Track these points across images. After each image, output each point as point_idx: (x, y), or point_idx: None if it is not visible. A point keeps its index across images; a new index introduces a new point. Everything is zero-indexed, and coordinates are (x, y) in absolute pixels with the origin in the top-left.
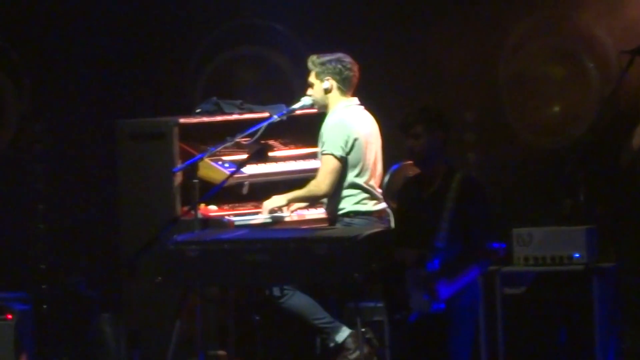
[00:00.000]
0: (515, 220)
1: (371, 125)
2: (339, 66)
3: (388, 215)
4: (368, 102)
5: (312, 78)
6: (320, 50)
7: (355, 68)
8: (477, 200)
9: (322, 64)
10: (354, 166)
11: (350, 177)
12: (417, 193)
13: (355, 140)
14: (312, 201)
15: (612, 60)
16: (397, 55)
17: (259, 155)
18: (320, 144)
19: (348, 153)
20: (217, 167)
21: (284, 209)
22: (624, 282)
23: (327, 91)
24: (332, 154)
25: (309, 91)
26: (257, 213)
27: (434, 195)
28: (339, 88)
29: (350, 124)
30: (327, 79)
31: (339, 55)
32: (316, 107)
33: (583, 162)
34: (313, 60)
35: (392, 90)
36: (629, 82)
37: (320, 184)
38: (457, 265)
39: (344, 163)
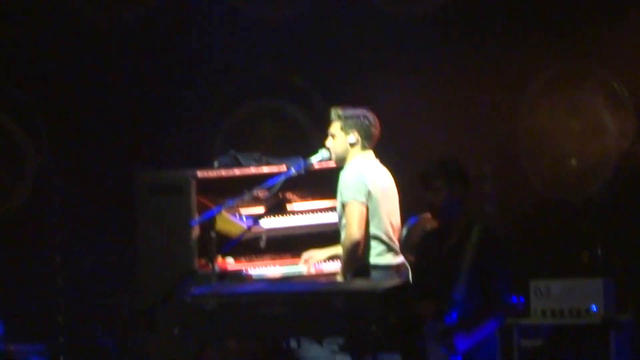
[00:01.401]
0: (532, 272)
1: (388, 178)
2: (366, 122)
3: (406, 268)
4: (386, 155)
5: (335, 130)
6: (338, 103)
7: (378, 125)
8: (496, 254)
9: (349, 117)
10: (372, 217)
11: (370, 227)
12: (436, 246)
13: (372, 191)
14: (352, 258)
15: (630, 114)
16: (415, 108)
17: (277, 208)
18: (339, 196)
19: (367, 203)
20: (234, 220)
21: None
22: None
23: (352, 145)
24: (355, 200)
25: (329, 141)
26: (274, 265)
27: (452, 249)
28: (362, 143)
29: (367, 176)
30: (353, 133)
31: (364, 111)
32: (334, 159)
33: (601, 215)
34: (338, 113)
35: (410, 142)
36: None
37: (351, 234)
38: (475, 318)
39: (367, 209)
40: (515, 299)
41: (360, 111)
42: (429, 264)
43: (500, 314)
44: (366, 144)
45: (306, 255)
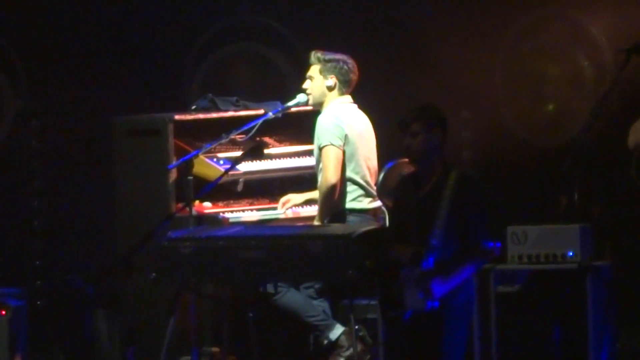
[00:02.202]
0: (510, 218)
1: (365, 122)
2: (345, 67)
3: (383, 213)
4: (364, 100)
5: (313, 72)
6: (316, 48)
7: (357, 71)
8: (473, 199)
9: (328, 61)
10: (349, 161)
11: (347, 172)
12: (413, 191)
13: (349, 135)
14: (328, 202)
15: (607, 59)
16: (393, 54)
17: (254, 152)
18: (315, 140)
19: (344, 146)
20: (212, 164)
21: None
22: (618, 281)
23: (330, 89)
24: (331, 144)
25: (307, 84)
26: (251, 210)
27: (429, 193)
28: (339, 88)
29: (343, 120)
30: (331, 77)
31: (344, 56)
32: (311, 102)
33: (578, 161)
34: (318, 57)
35: (388, 88)
36: (624, 80)
37: (327, 178)
38: (452, 263)
39: (344, 153)
40: (492, 243)
41: (340, 56)
42: (406, 208)
43: (478, 259)
44: (343, 89)
45: (284, 199)
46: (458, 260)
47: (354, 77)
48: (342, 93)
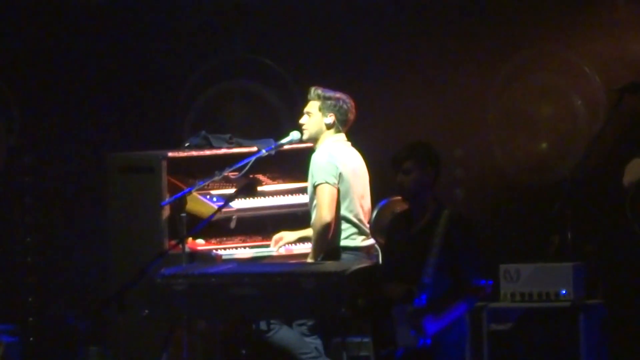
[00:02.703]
0: (502, 256)
1: (358, 160)
2: (345, 106)
3: (376, 251)
4: (357, 138)
5: (312, 108)
6: (309, 85)
7: (355, 112)
8: (465, 237)
9: (328, 98)
10: (343, 199)
11: (341, 209)
12: (405, 229)
13: (343, 173)
14: (322, 239)
15: (601, 98)
16: (386, 92)
17: (248, 189)
18: (310, 178)
19: (338, 184)
20: (205, 201)
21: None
22: (611, 320)
23: (328, 126)
24: (326, 182)
25: (304, 119)
26: (244, 247)
27: (422, 231)
28: (337, 126)
29: (338, 158)
30: (331, 115)
31: (343, 95)
32: (305, 137)
33: (571, 200)
34: (318, 94)
35: (381, 126)
36: (617, 120)
37: (321, 216)
38: (445, 301)
39: (338, 191)
40: (483, 281)
41: (339, 95)
42: (398, 246)
43: (470, 297)
44: (340, 128)
45: (276, 237)
46: (450, 298)
47: (351, 116)
48: (338, 131)
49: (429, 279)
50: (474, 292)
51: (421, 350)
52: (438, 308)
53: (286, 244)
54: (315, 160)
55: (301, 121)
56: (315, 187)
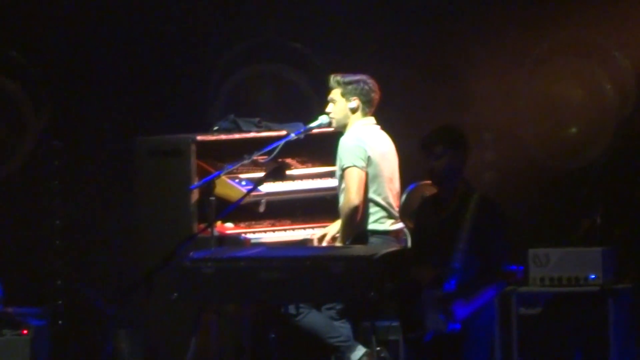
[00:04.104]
0: (532, 240)
1: (387, 144)
2: (366, 87)
3: (405, 235)
4: (387, 122)
5: (335, 95)
6: (339, 69)
7: (378, 90)
8: (495, 221)
9: (348, 83)
10: (372, 182)
11: (369, 193)
12: (435, 213)
13: (372, 156)
14: (351, 223)
15: (630, 82)
16: (416, 75)
17: (276, 173)
18: (338, 162)
19: (366, 168)
20: (234, 184)
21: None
22: None
23: (353, 111)
24: (354, 165)
25: (330, 108)
26: (273, 231)
27: (451, 216)
28: (363, 109)
29: (366, 141)
30: (354, 99)
31: (363, 76)
32: (334, 125)
33: (600, 184)
34: (337, 80)
35: (410, 110)
36: None
37: (350, 199)
38: (474, 285)
39: (366, 175)
40: (514, 266)
41: (359, 77)
42: (427, 230)
43: (499, 281)
44: (366, 110)
45: (319, 235)
46: (479, 282)
47: (375, 96)
48: (365, 114)
49: (458, 263)
50: (503, 277)
51: (450, 334)
52: (467, 293)
53: (331, 239)
54: (344, 143)
55: (327, 109)
56: (343, 170)
